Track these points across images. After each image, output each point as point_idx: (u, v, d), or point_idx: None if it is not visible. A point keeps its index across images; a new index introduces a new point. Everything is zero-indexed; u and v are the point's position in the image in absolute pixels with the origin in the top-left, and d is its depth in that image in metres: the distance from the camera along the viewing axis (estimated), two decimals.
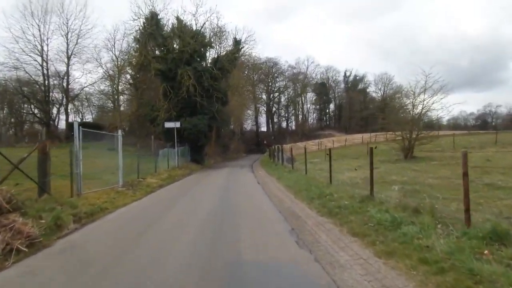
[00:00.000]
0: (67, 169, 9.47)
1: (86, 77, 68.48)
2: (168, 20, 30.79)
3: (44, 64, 35.75)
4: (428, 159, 20.13)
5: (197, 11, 30.89)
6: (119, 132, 13.41)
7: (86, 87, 40.00)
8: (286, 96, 75.21)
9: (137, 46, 30.63)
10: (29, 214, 5.76)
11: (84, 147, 10.22)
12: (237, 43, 33.40)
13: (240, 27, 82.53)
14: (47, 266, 4.43)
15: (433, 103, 21.32)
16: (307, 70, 74.67)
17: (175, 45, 29.75)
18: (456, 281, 3.26)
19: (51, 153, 8.67)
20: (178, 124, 25.16)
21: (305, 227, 6.27)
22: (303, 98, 75.31)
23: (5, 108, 40.21)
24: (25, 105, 39.62)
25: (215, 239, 5.68)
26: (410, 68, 68.48)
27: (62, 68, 37.48)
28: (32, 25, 34.78)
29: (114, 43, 37.59)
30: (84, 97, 43.50)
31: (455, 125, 68.23)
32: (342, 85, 79.63)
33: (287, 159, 22.70)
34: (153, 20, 28.63)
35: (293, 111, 76.73)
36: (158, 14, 29.33)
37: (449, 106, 21.81)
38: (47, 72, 36.27)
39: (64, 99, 38.93)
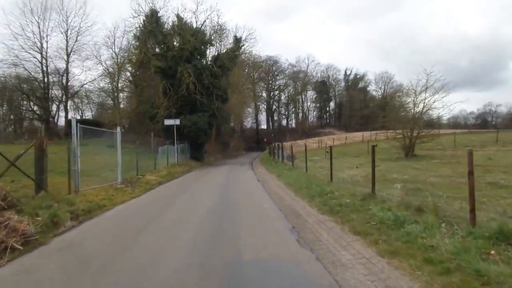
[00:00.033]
0: (66, 166, 9.37)
1: (86, 74, 68.95)
2: (168, 18, 30.68)
3: (44, 61, 35.76)
4: (429, 157, 20.05)
5: (197, 8, 30.72)
6: (118, 129, 13.31)
7: (86, 84, 40.00)
8: (286, 94, 75.05)
9: (137, 43, 30.49)
10: (25, 211, 5.66)
11: (84, 144, 10.13)
12: (237, 41, 33.20)
13: (241, 25, 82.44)
14: (42, 264, 4.34)
15: (434, 102, 21.28)
16: (307, 68, 74.54)
17: (175, 43, 29.57)
18: (463, 282, 3.15)
19: (50, 150, 8.59)
20: (177, 122, 25.08)
21: (306, 225, 6.17)
22: (303, 96, 75.16)
23: (5, 105, 40.13)
24: (25, 102, 39.49)
25: (215, 237, 5.60)
26: (410, 68, 68.63)
27: (62, 65, 37.48)
28: (32, 22, 34.74)
29: (114, 41, 37.56)
30: (84, 94, 43.45)
31: (455, 124, 68.05)
32: (343, 84, 79.40)
33: (287, 157, 22.60)
34: (153, 17, 28.48)
35: (293, 109, 76.62)
36: (158, 12, 29.18)
37: (451, 105, 21.72)
38: (47, 69, 36.29)
39: (64, 96, 38.85)
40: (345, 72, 78.41)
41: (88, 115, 47.91)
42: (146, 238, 5.64)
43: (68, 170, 9.09)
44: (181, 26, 29.18)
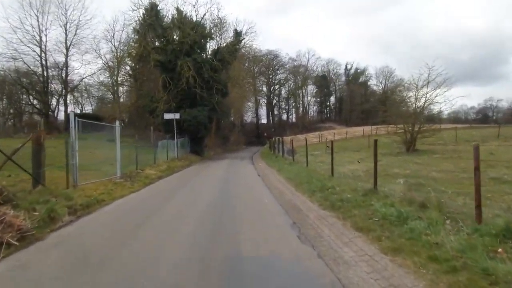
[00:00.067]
0: (65, 160, 9.27)
1: (85, 68, 68.87)
2: (168, 11, 30.41)
3: (43, 54, 35.53)
4: (430, 152, 19.96)
5: (197, 2, 30.51)
6: (117, 123, 13.20)
7: (85, 78, 39.82)
8: (287, 89, 74.69)
9: (137, 37, 30.23)
10: (22, 206, 5.57)
11: (83, 138, 10.02)
12: (237, 34, 32.92)
13: (241, 19, 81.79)
14: (38, 260, 4.26)
15: (436, 96, 21.13)
16: (308, 62, 74.03)
17: (175, 36, 29.30)
18: (470, 281, 3.05)
19: (50, 144, 8.50)
20: (177, 116, 24.95)
21: (307, 221, 6.08)
22: (303, 91, 74.84)
23: (4, 99, 39.95)
24: (24, 96, 39.28)
25: (215, 232, 5.53)
26: (411, 62, 68.06)
27: (61, 59, 37.28)
28: (31, 15, 34.45)
29: (114, 34, 37.35)
30: (84, 88, 43.29)
31: (456, 118, 67.68)
32: (343, 78, 78.99)
33: (287, 151, 22.51)
34: (152, 10, 28.20)
35: (294, 103, 76.34)
36: (158, 5, 28.85)
37: (453, 99, 21.55)
38: (46, 63, 36.05)
39: (63, 90, 38.66)
40: (346, 67, 78.09)
41: (88, 109, 47.90)
42: (145, 232, 5.56)
43: (66, 164, 8.99)
44: (181, 19, 28.90)
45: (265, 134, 60.02)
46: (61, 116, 39.89)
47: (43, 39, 35.31)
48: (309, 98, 77.16)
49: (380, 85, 76.80)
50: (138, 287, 3.42)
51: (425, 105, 21.72)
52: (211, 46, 33.77)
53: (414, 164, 14.17)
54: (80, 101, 48.09)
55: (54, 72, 37.60)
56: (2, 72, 34.75)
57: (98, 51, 38.23)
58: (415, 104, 22.12)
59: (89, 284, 3.52)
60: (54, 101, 39.61)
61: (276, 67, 70.26)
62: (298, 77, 71.97)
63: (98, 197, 8.30)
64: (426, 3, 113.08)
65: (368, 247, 4.37)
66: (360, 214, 5.91)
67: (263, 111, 74.60)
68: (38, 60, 35.27)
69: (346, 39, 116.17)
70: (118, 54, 37.32)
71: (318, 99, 78.54)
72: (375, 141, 7.95)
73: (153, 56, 27.71)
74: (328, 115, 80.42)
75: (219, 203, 8.31)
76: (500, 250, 3.50)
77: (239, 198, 8.92)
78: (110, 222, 6.55)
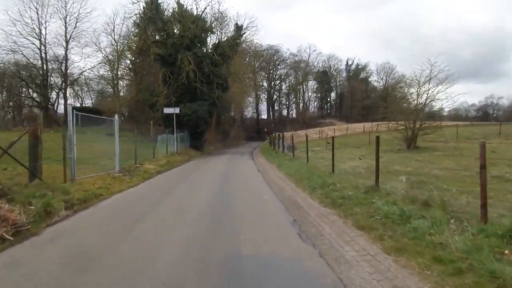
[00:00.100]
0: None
1: (85, 61, 68.65)
2: (168, 4, 30.34)
3: (43, 47, 35.26)
4: (431, 149, 19.88)
5: None
6: (116, 116, 13.09)
7: (85, 71, 39.60)
8: (287, 84, 74.54)
9: (137, 30, 30.10)
10: (17, 200, 5.47)
11: (82, 131, 9.92)
12: (238, 29, 32.68)
13: (242, 13, 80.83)
14: (33, 255, 4.17)
15: (437, 93, 21.00)
16: (308, 58, 73.70)
17: (175, 30, 29.08)
18: (476, 284, 2.94)
19: (49, 137, 8.39)
20: (177, 110, 24.82)
21: (307, 219, 5.97)
22: (304, 86, 74.67)
23: (4, 92, 39.75)
24: (24, 89, 39.08)
25: (214, 229, 5.44)
26: (411, 59, 67.74)
27: (61, 52, 37.02)
28: (30, 8, 34.12)
29: (114, 27, 37.13)
30: (83, 81, 43.12)
31: (456, 116, 67.56)
32: (344, 74, 78.69)
33: (287, 147, 22.39)
34: (153, 4, 27.99)
35: (294, 99, 76.20)
36: None
37: (454, 96, 21.43)
38: (45, 56, 35.79)
39: (63, 83, 38.43)
40: (347, 62, 77.71)
41: (88, 102, 47.78)
42: (143, 228, 5.47)
43: (63, 158, 8.88)
44: (181, 13, 28.66)
45: (265, 130, 59.92)
46: (61, 109, 39.81)
47: (43, 32, 35.10)
48: (309, 93, 77.14)
49: (381, 81, 76.75)
50: (135, 285, 3.32)
51: (427, 101, 21.62)
52: (211, 40, 33.65)
53: (416, 161, 14.08)
54: (80, 94, 48.02)
55: (53, 65, 37.42)
56: (1, 65, 34.61)
57: (98, 45, 38.09)
58: (417, 100, 22.01)
59: (84, 280, 3.42)
60: (53, 95, 39.50)
61: (277, 62, 70.05)
62: (299, 72, 71.74)
63: (96, 191, 8.20)
64: None
65: (370, 246, 4.26)
66: (361, 212, 5.80)
67: (263, 107, 74.56)
68: (37, 53, 35.08)
69: (347, 34, 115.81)
70: (118, 47, 37.16)
71: (319, 95, 78.37)
72: (377, 137, 7.82)
73: (153, 50, 27.53)
74: (329, 111, 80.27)
75: (219, 199, 8.23)
76: (507, 251, 3.38)
77: (239, 194, 8.82)
78: (107, 217, 6.47)
